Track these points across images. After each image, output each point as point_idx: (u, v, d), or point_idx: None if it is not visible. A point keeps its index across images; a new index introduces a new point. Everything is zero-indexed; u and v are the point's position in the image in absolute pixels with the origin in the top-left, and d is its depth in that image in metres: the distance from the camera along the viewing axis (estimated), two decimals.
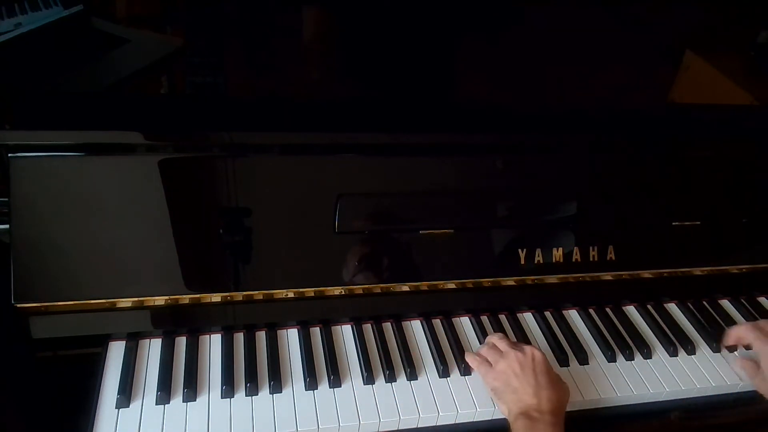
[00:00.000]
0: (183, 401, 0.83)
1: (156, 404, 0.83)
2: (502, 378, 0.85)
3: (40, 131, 0.82)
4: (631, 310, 1.09)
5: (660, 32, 1.11)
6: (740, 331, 0.98)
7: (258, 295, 0.91)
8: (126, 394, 0.82)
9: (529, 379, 0.83)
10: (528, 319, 1.04)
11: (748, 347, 1.00)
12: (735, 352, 1.01)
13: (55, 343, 0.88)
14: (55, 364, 0.89)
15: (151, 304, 0.89)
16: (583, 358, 0.96)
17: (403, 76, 1.03)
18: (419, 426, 0.86)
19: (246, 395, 0.85)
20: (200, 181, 0.89)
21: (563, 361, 0.96)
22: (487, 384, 0.88)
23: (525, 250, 0.98)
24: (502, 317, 1.03)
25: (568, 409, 0.90)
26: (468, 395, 0.89)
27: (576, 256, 1.01)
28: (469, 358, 0.91)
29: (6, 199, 0.82)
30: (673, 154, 1.06)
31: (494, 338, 0.92)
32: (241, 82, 1.03)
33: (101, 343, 0.90)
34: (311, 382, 0.87)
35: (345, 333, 0.97)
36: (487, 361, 0.89)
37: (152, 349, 0.90)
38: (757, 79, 1.21)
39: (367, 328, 0.98)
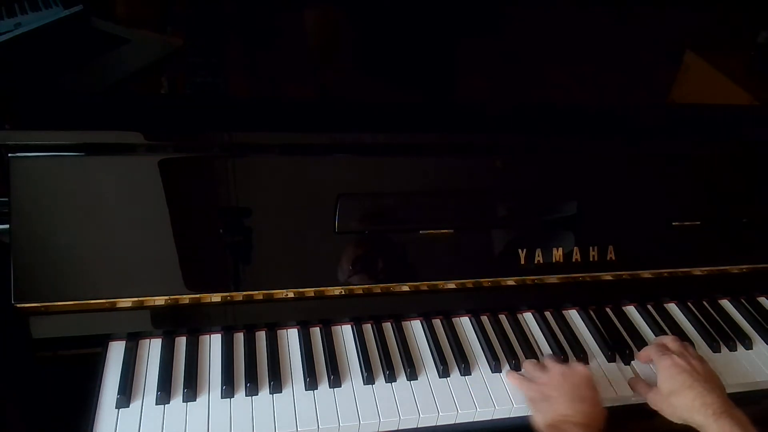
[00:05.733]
0: (183, 401, 0.83)
1: (156, 404, 0.83)
2: (540, 389, 0.85)
3: (40, 131, 0.82)
4: (631, 310, 1.09)
5: (660, 32, 1.11)
6: (648, 351, 0.95)
7: (258, 295, 0.91)
8: (126, 394, 0.82)
9: (566, 390, 0.83)
10: (528, 319, 1.04)
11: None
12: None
13: (55, 343, 0.88)
14: (55, 364, 0.89)
15: (151, 304, 0.89)
16: (583, 358, 0.96)
17: (404, 76, 1.03)
18: (419, 426, 0.86)
19: (246, 395, 0.85)
20: (200, 181, 0.89)
21: (563, 362, 0.95)
22: (526, 395, 0.87)
23: (525, 250, 0.98)
24: (502, 317, 1.03)
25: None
26: (468, 395, 0.89)
27: (576, 256, 1.01)
28: (511, 377, 0.91)
29: (6, 199, 0.82)
30: (673, 154, 1.06)
31: (545, 359, 0.93)
32: (241, 82, 1.03)
33: (101, 343, 0.90)
34: (311, 382, 0.87)
35: (345, 333, 0.97)
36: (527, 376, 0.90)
37: (152, 349, 0.90)
38: (757, 79, 1.21)
39: (367, 328, 0.97)
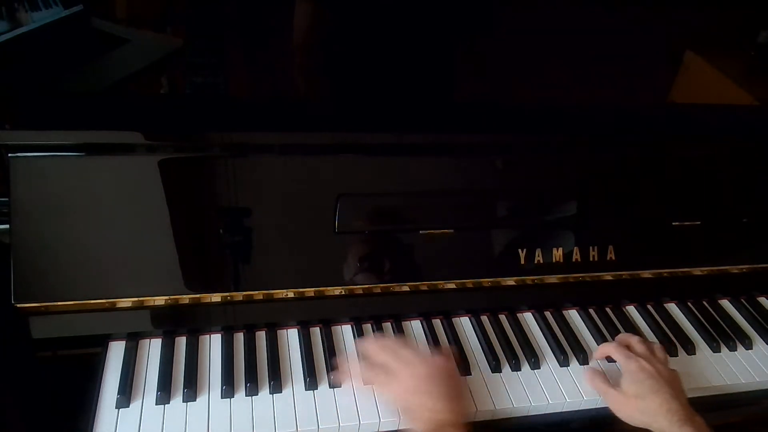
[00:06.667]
0: (183, 401, 0.83)
1: (156, 404, 0.83)
2: (399, 394, 0.81)
3: (40, 131, 0.82)
4: (631, 310, 1.09)
5: (660, 32, 1.11)
6: (608, 349, 0.93)
7: (258, 295, 0.91)
8: (126, 394, 0.82)
9: (430, 389, 0.79)
10: (528, 319, 1.04)
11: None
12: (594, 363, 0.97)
13: (55, 343, 0.88)
14: (55, 364, 0.89)
15: (151, 304, 0.89)
16: (583, 359, 0.96)
17: (404, 76, 1.03)
18: None
19: (246, 395, 0.85)
20: (200, 181, 0.89)
21: (563, 362, 0.95)
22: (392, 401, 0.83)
23: (525, 250, 0.98)
24: (502, 317, 1.03)
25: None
26: (467, 393, 0.89)
27: (576, 256, 1.01)
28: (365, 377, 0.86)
29: (6, 199, 0.82)
30: (673, 153, 1.06)
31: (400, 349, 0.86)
32: (241, 82, 1.03)
33: (101, 343, 0.90)
34: (311, 382, 0.87)
35: (345, 333, 0.97)
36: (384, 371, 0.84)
37: (152, 349, 0.90)
38: (757, 79, 1.21)
39: (367, 328, 0.98)
